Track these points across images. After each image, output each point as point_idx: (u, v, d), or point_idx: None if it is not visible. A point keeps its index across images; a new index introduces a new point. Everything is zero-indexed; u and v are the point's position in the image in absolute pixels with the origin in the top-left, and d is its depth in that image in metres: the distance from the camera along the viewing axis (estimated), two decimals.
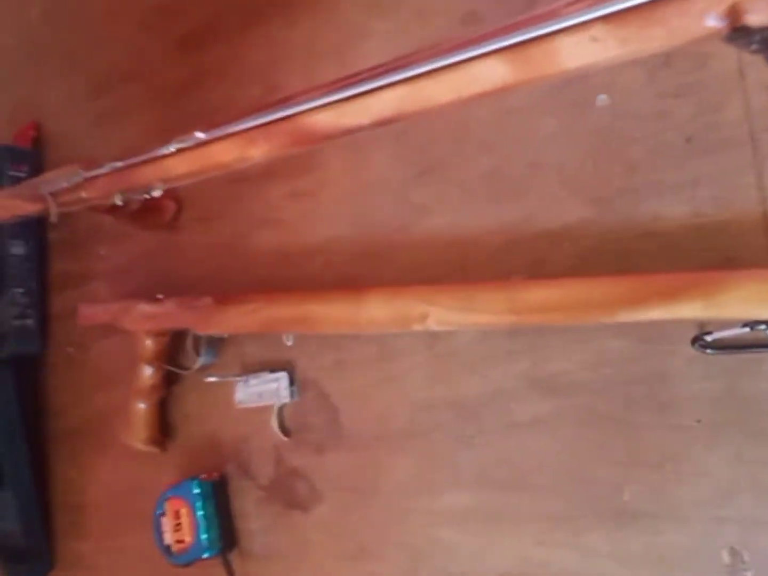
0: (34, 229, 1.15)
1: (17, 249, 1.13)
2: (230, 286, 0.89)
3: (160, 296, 0.89)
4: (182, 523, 0.85)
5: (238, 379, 0.86)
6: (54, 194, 0.82)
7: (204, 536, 0.83)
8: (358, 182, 0.78)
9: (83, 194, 0.79)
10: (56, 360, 1.14)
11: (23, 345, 1.13)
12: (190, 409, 0.94)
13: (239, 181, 0.89)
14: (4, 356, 1.10)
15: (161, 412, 0.94)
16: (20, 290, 1.13)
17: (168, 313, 0.87)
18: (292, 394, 0.82)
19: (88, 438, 1.09)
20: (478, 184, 0.68)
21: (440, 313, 0.63)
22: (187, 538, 0.85)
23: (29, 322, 1.13)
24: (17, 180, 1.13)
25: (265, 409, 0.84)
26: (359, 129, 0.53)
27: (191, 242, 0.96)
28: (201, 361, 0.87)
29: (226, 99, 0.92)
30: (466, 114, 0.69)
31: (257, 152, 0.60)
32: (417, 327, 0.65)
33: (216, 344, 0.88)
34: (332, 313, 0.72)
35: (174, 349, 0.93)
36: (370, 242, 0.77)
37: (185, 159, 0.66)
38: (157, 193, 0.75)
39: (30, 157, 1.18)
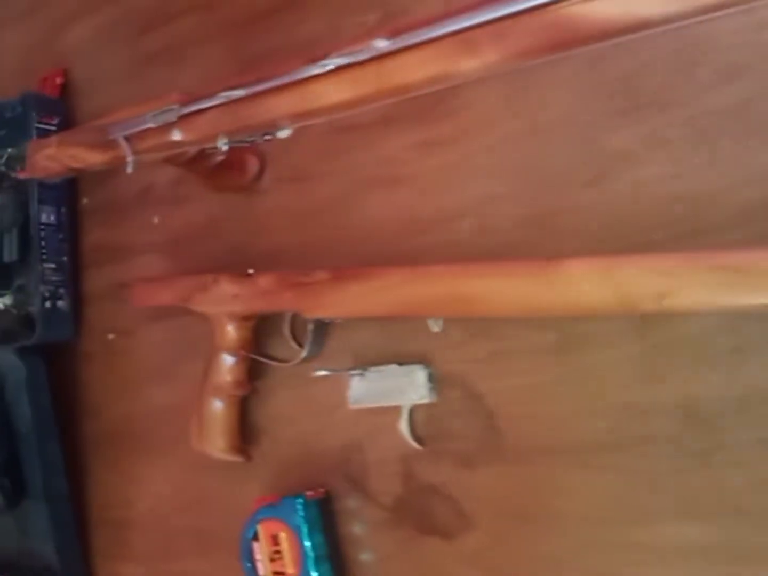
0: (66, 192, 0.96)
1: (47, 216, 0.95)
2: (327, 261, 0.73)
3: (250, 271, 0.72)
4: (282, 552, 0.69)
5: (354, 373, 0.69)
6: (129, 139, 0.64)
7: (314, 573, 0.67)
8: (524, 125, 0.61)
9: (176, 137, 0.62)
10: (93, 348, 0.96)
11: (55, 330, 0.94)
12: (280, 409, 0.77)
13: (341, 130, 0.72)
14: (34, 343, 0.92)
15: (243, 412, 0.77)
16: (51, 266, 0.94)
17: (263, 292, 0.70)
18: (429, 393, 0.65)
19: (134, 441, 0.91)
20: (716, 121, 0.52)
21: (690, 291, 0.47)
22: (290, 571, 0.68)
23: (61, 303, 0.95)
24: (46, 134, 0.94)
25: (386, 411, 0.68)
26: (664, 22, 0.36)
27: (276, 207, 0.78)
28: (306, 351, 0.70)
29: (327, 30, 0.75)
30: (697, 30, 0.53)
31: (475, 63, 0.43)
32: (649, 308, 0.49)
33: (323, 331, 0.71)
34: (510, 292, 0.55)
35: (260, 337, 0.76)
36: (543, 201, 0.61)
37: (348, 80, 0.49)
38: (283, 134, 0.57)
39: (60, 107, 0.99)
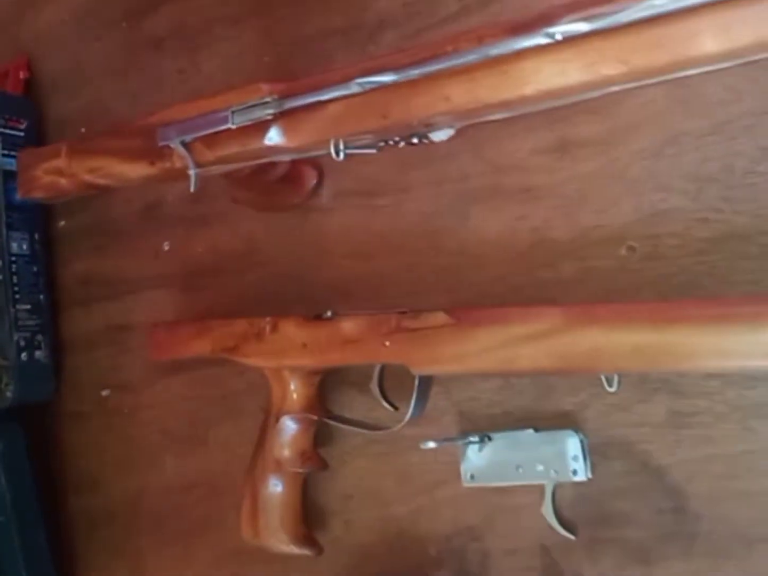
0: (39, 213, 0.77)
1: (18, 246, 0.75)
2: (420, 298, 0.57)
3: (329, 314, 0.55)
4: None
5: (470, 441, 0.54)
6: (188, 146, 0.47)
7: None
8: (702, 124, 0.48)
9: (271, 141, 0.45)
10: (83, 408, 0.77)
11: (35, 387, 0.75)
12: (358, 485, 0.60)
13: None
14: (10, 405, 0.72)
15: (307, 491, 0.60)
16: (26, 307, 0.75)
17: (348, 341, 0.54)
18: (584, 467, 0.51)
19: (143, 523, 0.73)
20: None
21: None
22: None
23: (40, 353, 0.76)
24: (14, 140, 0.75)
25: (515, 489, 0.53)
26: None
27: (340, 228, 0.62)
28: (410, 414, 0.54)
29: (401, 10, 0.59)
30: None
31: None
32: None
33: (428, 385, 0.55)
34: (733, 341, 0.41)
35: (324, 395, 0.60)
36: (738, 217, 0.47)
37: (581, 55, 0.34)
38: (440, 136, 0.42)
39: (27, 108, 0.80)
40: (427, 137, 0.43)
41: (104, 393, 0.76)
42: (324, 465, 0.59)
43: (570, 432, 0.51)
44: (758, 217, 0.46)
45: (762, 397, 0.46)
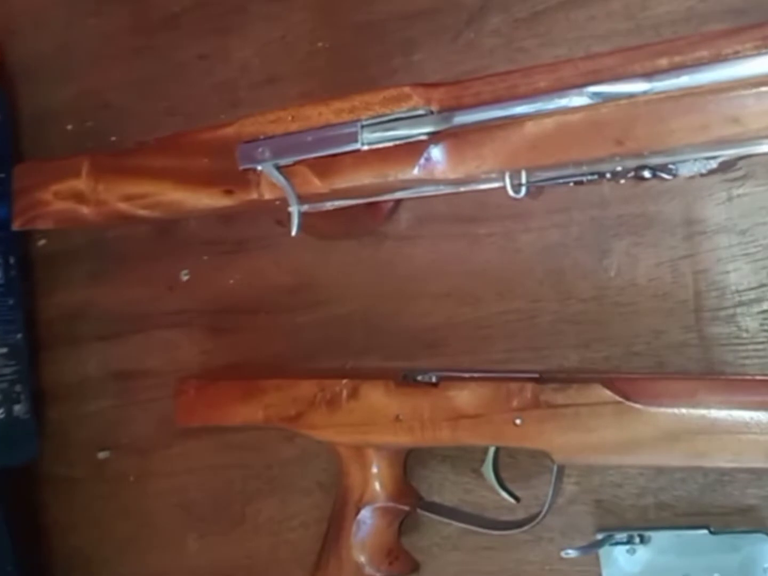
0: (16, 233, 0.61)
1: None
2: (533, 357, 0.45)
3: (433, 379, 0.42)
4: None
5: (617, 542, 0.42)
6: (288, 171, 0.33)
7: None
8: None
9: (422, 171, 0.31)
10: (75, 472, 0.62)
11: (14, 450, 0.60)
12: None
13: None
14: None
15: None
16: (2, 351, 0.60)
17: (462, 416, 0.41)
18: None
19: None
20: None
21: None
22: None
23: (19, 408, 0.60)
24: None
25: None
26: None
27: (422, 261, 0.49)
28: (546, 509, 0.42)
29: None
30: None
31: None
32: None
33: (562, 474, 0.43)
34: None
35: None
36: None
37: None
38: (690, 170, 0.30)
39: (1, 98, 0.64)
40: (668, 171, 0.31)
41: (101, 455, 0.61)
42: (415, 567, 0.47)
43: (761, 535, 0.40)
44: None
45: None
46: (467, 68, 0.48)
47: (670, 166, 0.31)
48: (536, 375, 0.41)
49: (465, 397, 0.41)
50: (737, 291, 0.41)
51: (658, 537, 0.42)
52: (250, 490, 0.54)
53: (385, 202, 0.48)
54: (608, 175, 0.32)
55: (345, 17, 0.52)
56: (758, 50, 0.26)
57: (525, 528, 0.42)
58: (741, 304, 0.41)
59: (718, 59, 0.27)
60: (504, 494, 0.44)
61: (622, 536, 0.42)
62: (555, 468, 0.41)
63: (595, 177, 0.32)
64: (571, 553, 0.41)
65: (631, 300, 0.43)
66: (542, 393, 0.39)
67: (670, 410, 0.36)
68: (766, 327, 0.40)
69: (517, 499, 0.44)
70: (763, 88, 0.26)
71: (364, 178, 0.34)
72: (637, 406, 0.37)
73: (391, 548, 0.46)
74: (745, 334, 0.41)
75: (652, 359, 0.43)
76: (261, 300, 0.54)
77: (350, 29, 0.52)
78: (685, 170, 0.31)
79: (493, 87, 0.32)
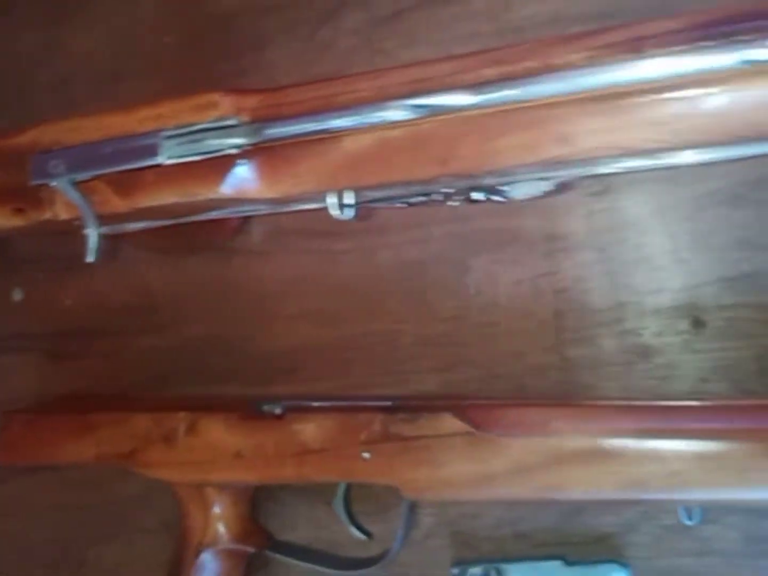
0: None
1: None
2: (394, 381, 0.42)
3: (277, 411, 0.38)
4: None
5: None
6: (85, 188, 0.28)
7: None
8: None
9: (231, 189, 0.27)
10: None
11: None
12: None
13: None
14: None
15: None
16: None
17: (306, 451, 0.37)
18: None
19: None
20: None
21: None
22: None
23: None
24: None
25: None
26: None
27: (276, 279, 0.45)
28: (396, 546, 0.38)
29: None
30: None
31: None
32: None
33: (414, 509, 0.40)
34: None
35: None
36: None
37: None
38: (523, 192, 0.27)
39: None
40: (500, 193, 0.28)
41: None
42: None
43: (614, 565, 0.38)
44: None
45: None
46: (323, 69, 0.45)
47: (504, 188, 0.28)
48: (389, 403, 0.37)
49: (310, 431, 0.38)
50: (597, 310, 0.39)
51: (514, 569, 0.39)
52: (92, 531, 0.49)
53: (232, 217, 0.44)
54: (440, 197, 0.29)
55: (194, 8, 0.48)
56: (590, 61, 0.24)
57: (374, 566, 0.38)
58: (600, 324, 0.39)
59: (548, 70, 0.24)
60: (355, 531, 0.40)
61: (476, 570, 0.39)
62: (406, 503, 0.38)
63: (425, 199, 0.29)
64: None
65: (492, 320, 0.41)
66: (391, 424, 0.36)
67: (522, 441, 0.34)
68: (624, 348, 0.39)
69: (369, 535, 0.41)
70: (594, 105, 0.23)
71: (167, 196, 0.30)
72: (489, 436, 0.34)
73: None
74: (604, 356, 0.39)
75: (514, 382, 0.40)
76: (102, 322, 0.49)
77: (199, 22, 0.48)
78: (519, 193, 0.28)
79: (313, 95, 0.28)
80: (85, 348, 0.50)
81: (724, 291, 0.37)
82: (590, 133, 0.24)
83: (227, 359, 0.46)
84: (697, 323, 0.37)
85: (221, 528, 0.41)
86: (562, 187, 0.29)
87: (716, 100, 0.23)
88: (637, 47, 0.23)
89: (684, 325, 0.37)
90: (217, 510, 0.41)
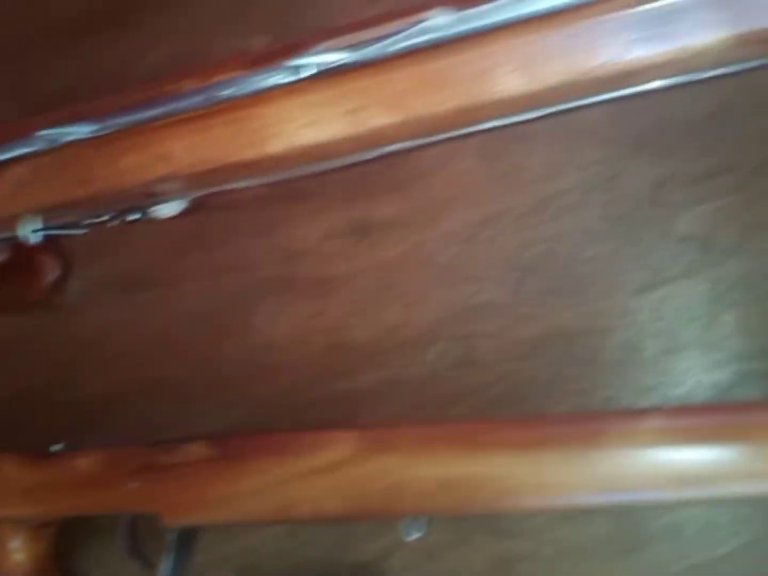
0: None
1: None
2: (192, 421, 0.45)
3: (57, 447, 0.41)
4: None
5: None
6: None
7: None
8: (525, 200, 0.41)
9: None
10: None
11: None
12: None
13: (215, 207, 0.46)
14: None
15: None
16: None
17: (86, 483, 0.40)
18: None
19: None
20: None
21: None
22: None
23: None
24: None
25: None
26: None
27: (88, 331, 0.48)
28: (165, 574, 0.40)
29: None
30: None
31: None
32: None
33: (191, 538, 0.42)
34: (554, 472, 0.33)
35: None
36: (566, 313, 0.39)
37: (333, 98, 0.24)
38: (166, 211, 0.31)
39: None
40: (148, 213, 0.32)
41: None
42: None
43: None
44: (584, 315, 0.39)
45: (599, 534, 0.38)
46: None
47: (152, 208, 0.32)
48: (158, 440, 0.40)
49: (86, 465, 0.40)
50: (358, 344, 0.43)
51: None
52: None
53: (45, 271, 0.48)
54: (103, 219, 0.33)
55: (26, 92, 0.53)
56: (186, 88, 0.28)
57: None
58: (353, 366, 0.42)
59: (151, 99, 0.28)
60: (137, 563, 0.42)
61: None
62: (172, 533, 0.40)
63: (92, 222, 0.33)
64: None
65: (273, 361, 0.44)
66: (153, 455, 0.39)
67: (260, 463, 0.37)
68: (383, 383, 0.42)
69: (152, 565, 0.43)
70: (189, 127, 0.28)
71: None
72: (232, 461, 0.37)
73: None
74: (369, 396, 0.42)
75: (289, 416, 0.43)
76: None
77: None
78: (163, 211, 0.32)
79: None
80: None
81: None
82: (187, 148, 0.28)
83: (36, 413, 0.49)
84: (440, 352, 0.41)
85: (16, 563, 0.43)
86: (197, 206, 0.32)
87: None
88: None
89: (429, 355, 0.41)
90: (13, 544, 0.43)
